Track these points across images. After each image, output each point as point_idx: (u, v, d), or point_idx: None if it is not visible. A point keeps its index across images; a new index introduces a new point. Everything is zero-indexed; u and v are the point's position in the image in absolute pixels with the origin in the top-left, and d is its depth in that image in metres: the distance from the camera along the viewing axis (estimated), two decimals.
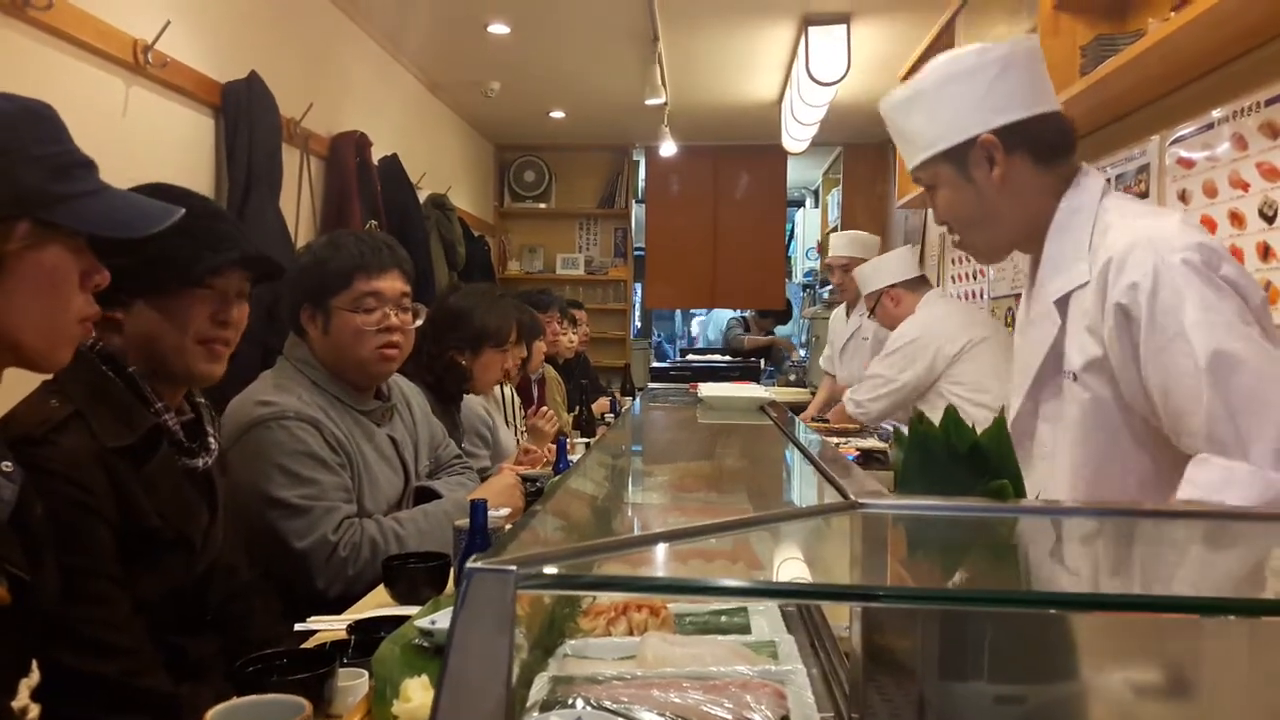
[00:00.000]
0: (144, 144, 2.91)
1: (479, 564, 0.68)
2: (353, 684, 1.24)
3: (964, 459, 0.98)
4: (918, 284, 3.82)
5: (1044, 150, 1.58)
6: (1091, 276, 1.48)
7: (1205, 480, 1.33)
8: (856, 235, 4.69)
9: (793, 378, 7.28)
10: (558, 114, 6.65)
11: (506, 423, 3.39)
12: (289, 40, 3.88)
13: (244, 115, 3.31)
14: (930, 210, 1.74)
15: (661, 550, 0.86)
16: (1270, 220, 2.27)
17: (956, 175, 1.60)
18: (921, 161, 1.63)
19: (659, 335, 10.83)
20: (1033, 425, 1.63)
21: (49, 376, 1.37)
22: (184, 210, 1.20)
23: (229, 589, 1.61)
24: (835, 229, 7.38)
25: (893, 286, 3.80)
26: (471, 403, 3.07)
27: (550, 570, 0.72)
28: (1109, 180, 3.06)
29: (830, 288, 7.31)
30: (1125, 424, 1.48)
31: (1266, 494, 1.28)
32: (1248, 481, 1.29)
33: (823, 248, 8.19)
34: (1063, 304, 1.55)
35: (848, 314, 4.73)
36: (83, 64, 2.65)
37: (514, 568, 0.68)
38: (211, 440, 1.58)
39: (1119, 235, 1.47)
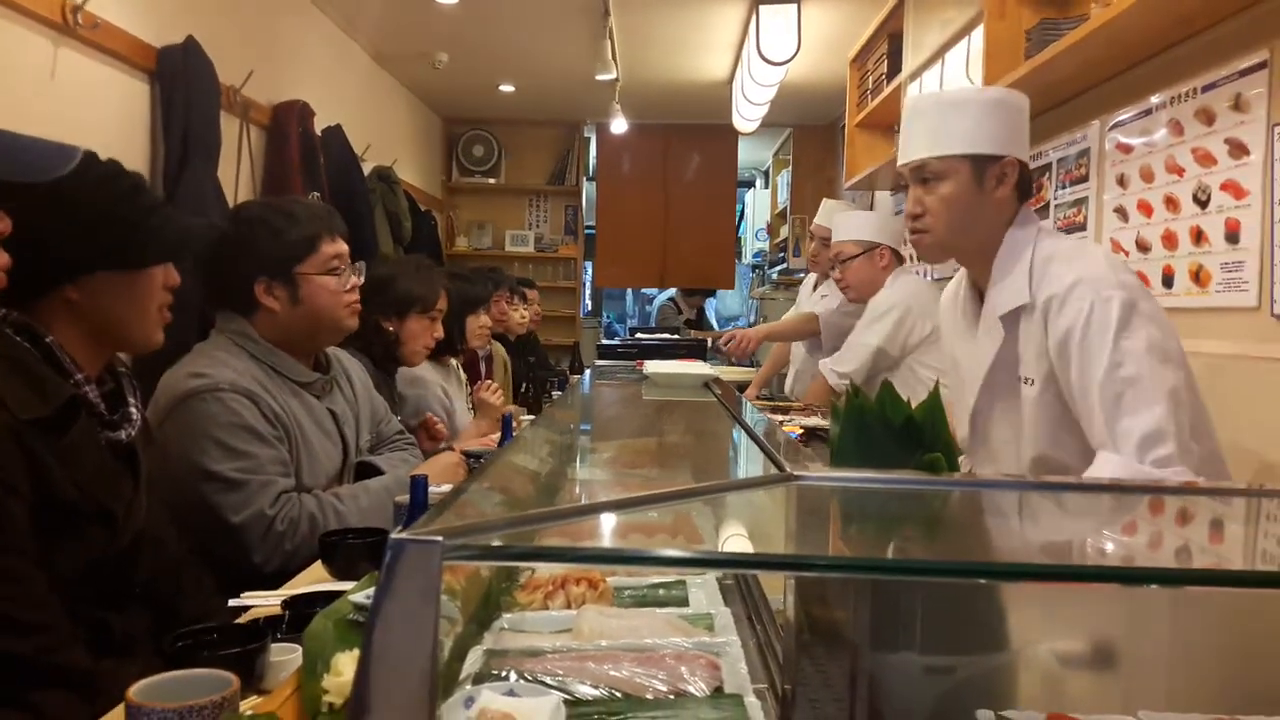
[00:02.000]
0: (74, 109, 2.82)
1: (404, 535, 0.67)
2: (286, 659, 1.22)
3: (898, 432, 0.99)
4: (897, 256, 3.73)
5: (1025, 189, 1.88)
6: (1035, 301, 1.77)
7: (1092, 470, 1.68)
8: (868, 213, 4.35)
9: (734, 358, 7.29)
10: (507, 87, 6.58)
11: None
12: (228, 6, 3.78)
13: (180, 81, 3.22)
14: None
15: (597, 521, 0.85)
16: (1204, 205, 2.32)
17: (971, 177, 1.83)
18: (950, 154, 1.83)
19: (609, 315, 10.82)
20: (991, 419, 1.92)
21: None
22: (83, 151, 1.15)
23: (157, 562, 1.57)
24: (784, 212, 7.41)
25: (883, 246, 3.64)
26: (431, 385, 3.05)
27: (478, 541, 0.71)
28: (1051, 164, 3.11)
29: (781, 267, 7.36)
30: (1066, 417, 1.76)
31: (1127, 473, 1.62)
32: (1119, 465, 1.63)
33: (772, 229, 8.23)
34: (1007, 319, 1.82)
35: (815, 287, 4.56)
36: (7, 23, 2.55)
37: (440, 538, 0.67)
38: (133, 411, 1.54)
39: (1061, 270, 1.75)
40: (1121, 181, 2.68)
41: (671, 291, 8.29)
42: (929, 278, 4.11)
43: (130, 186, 1.50)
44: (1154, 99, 2.53)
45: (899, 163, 1.94)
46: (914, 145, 1.88)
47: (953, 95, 1.93)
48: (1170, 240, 2.46)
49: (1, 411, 1.30)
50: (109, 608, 1.44)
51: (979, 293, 1.93)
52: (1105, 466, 1.65)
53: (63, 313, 1.44)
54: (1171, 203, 2.45)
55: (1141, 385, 1.63)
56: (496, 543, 0.73)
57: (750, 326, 8.40)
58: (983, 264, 1.87)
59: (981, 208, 1.83)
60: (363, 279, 2.20)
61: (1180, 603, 0.99)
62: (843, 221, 3.78)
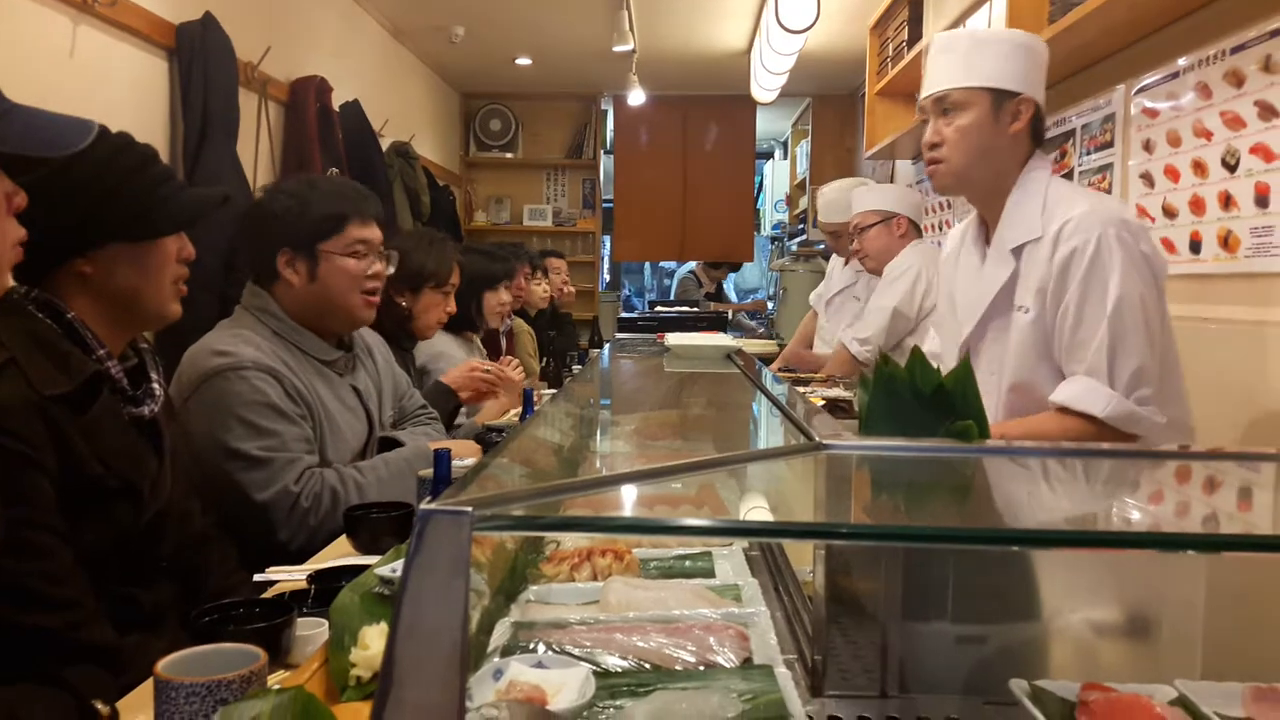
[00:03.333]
0: (94, 87, 2.82)
1: (434, 505, 0.67)
2: (312, 634, 1.23)
3: (929, 400, 0.98)
4: (915, 228, 3.73)
5: (1039, 130, 1.96)
6: (1045, 234, 1.87)
7: (1072, 389, 1.80)
8: (885, 185, 4.30)
9: (761, 330, 7.27)
10: (524, 61, 6.53)
11: None
12: None
13: (199, 58, 3.21)
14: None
15: (623, 492, 0.84)
16: (1232, 169, 2.28)
17: (990, 110, 1.92)
18: (970, 86, 1.92)
19: (628, 289, 10.79)
20: (980, 351, 2.01)
21: None
22: (98, 126, 1.15)
23: (182, 537, 1.58)
24: (804, 183, 7.34)
25: (900, 215, 3.65)
26: (454, 360, 3.05)
27: (508, 511, 0.70)
28: (1075, 130, 3.06)
29: (801, 239, 7.29)
30: (1045, 345, 1.88)
31: (1110, 408, 1.75)
32: (1105, 397, 1.75)
33: (791, 200, 8.16)
34: (1017, 252, 1.92)
35: (846, 263, 4.52)
36: (26, 1, 2.55)
37: (470, 509, 0.66)
38: (156, 386, 1.54)
39: (1072, 205, 1.86)
40: (1147, 147, 2.64)
41: (693, 264, 8.24)
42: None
43: (140, 158, 1.49)
44: (1181, 61, 2.48)
45: (922, 95, 2.02)
46: (939, 77, 1.97)
47: (982, 33, 2.05)
48: (1198, 205, 2.42)
49: (25, 387, 1.30)
50: (136, 583, 1.45)
51: (987, 230, 2.02)
52: (1082, 390, 1.77)
53: (78, 287, 1.44)
54: (1199, 167, 2.41)
55: (1138, 328, 1.76)
56: (525, 513, 0.73)
57: (769, 298, 8.37)
58: (995, 200, 1.96)
59: (996, 141, 1.92)
60: (392, 269, 2.18)
61: (1215, 569, 0.97)
62: (860, 193, 3.79)
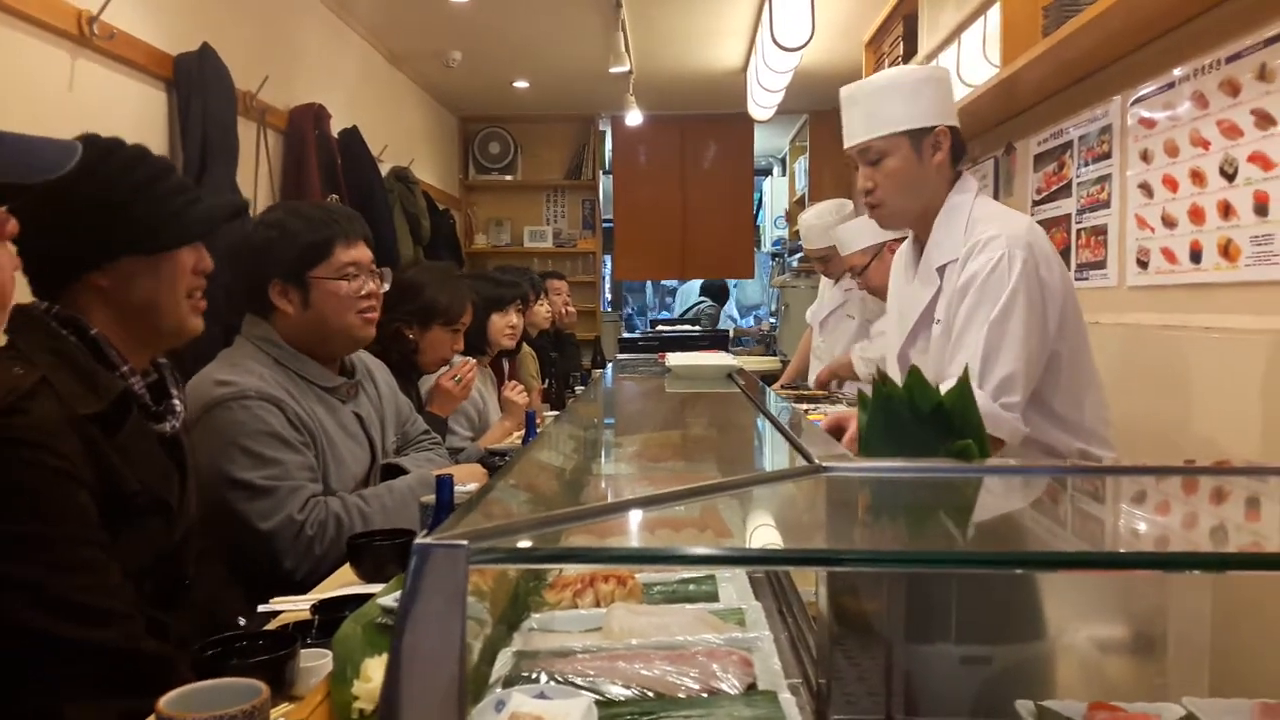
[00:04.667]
0: (93, 119, 2.82)
1: (429, 539, 0.66)
2: (316, 665, 1.22)
3: (928, 420, 0.97)
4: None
5: (958, 152, 2.12)
6: (961, 254, 2.03)
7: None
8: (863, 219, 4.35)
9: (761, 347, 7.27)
10: (521, 84, 6.56)
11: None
12: (242, 11, 3.78)
13: (197, 88, 3.22)
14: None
15: (623, 520, 0.84)
16: (1230, 178, 2.27)
17: (911, 150, 2.07)
18: (889, 134, 2.08)
19: (631, 307, 10.80)
20: (912, 354, 2.18)
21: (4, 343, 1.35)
22: (81, 147, 1.14)
23: (199, 557, 1.59)
24: (803, 199, 7.34)
25: (889, 242, 3.65)
26: None
27: (504, 544, 0.70)
28: (1073, 141, 3.06)
29: (801, 255, 7.29)
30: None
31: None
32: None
33: (791, 216, 8.17)
34: (941, 271, 2.09)
35: (837, 281, 4.52)
36: (25, 35, 2.56)
37: (465, 543, 0.66)
38: (177, 403, 1.55)
39: (987, 226, 2.02)
40: (1145, 157, 2.64)
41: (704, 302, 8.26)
42: None
43: (154, 170, 1.50)
44: (1176, 72, 2.48)
45: (845, 146, 2.16)
46: (856, 129, 2.12)
47: (882, 79, 2.16)
48: (1197, 215, 2.41)
49: (60, 406, 1.30)
50: (164, 605, 1.45)
51: (921, 247, 2.18)
52: None
53: (96, 302, 1.45)
54: (1197, 176, 2.40)
55: (1015, 339, 1.90)
56: (522, 545, 0.72)
57: (770, 314, 8.37)
58: (927, 224, 2.13)
59: (923, 175, 2.08)
60: (386, 286, 2.18)
61: (1222, 585, 0.96)
62: (844, 235, 3.74)
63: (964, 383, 1.00)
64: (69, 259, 1.42)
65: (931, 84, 2.11)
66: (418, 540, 0.67)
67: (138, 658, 1.28)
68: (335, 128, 4.37)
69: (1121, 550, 0.83)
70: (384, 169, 5.06)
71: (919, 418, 0.97)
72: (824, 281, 4.52)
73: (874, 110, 2.11)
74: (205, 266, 1.56)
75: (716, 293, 8.94)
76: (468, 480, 2.01)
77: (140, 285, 1.47)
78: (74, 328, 1.41)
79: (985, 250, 1.97)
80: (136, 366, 1.47)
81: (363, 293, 2.09)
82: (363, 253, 2.11)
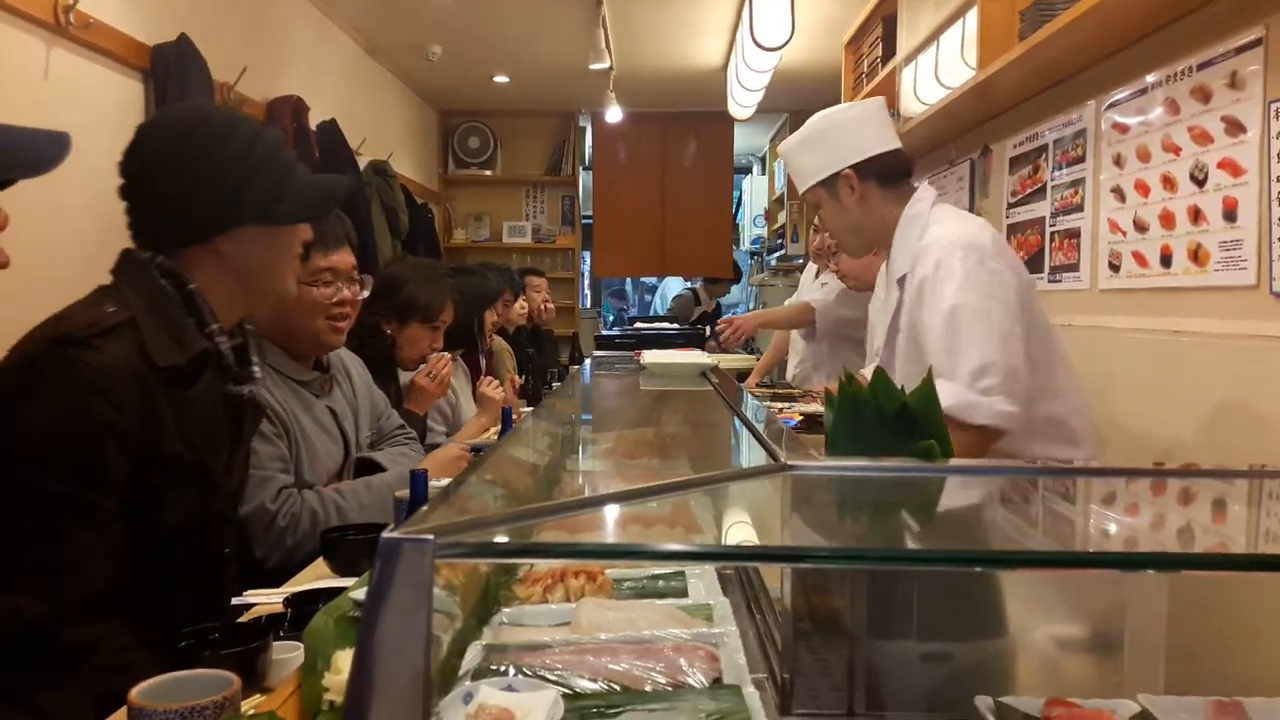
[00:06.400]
0: (68, 109, 2.81)
1: (395, 534, 0.67)
2: (288, 657, 1.22)
3: (891, 420, 0.99)
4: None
5: (888, 177, 2.19)
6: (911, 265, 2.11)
7: None
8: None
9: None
10: (502, 78, 6.55)
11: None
12: (220, 2, 3.76)
13: (174, 79, 3.21)
14: None
15: (591, 515, 0.85)
16: (1200, 184, 2.31)
17: (830, 198, 2.22)
18: (807, 189, 2.27)
19: (606, 307, 10.80)
20: (884, 360, 2.25)
21: (107, 281, 1.41)
22: (68, 135, 1.14)
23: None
24: (781, 197, 7.38)
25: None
26: None
27: (471, 539, 0.71)
28: (1048, 145, 3.09)
29: (780, 254, 7.32)
30: (923, 359, 2.02)
31: (952, 399, 1.80)
32: (949, 392, 1.81)
33: (770, 215, 8.20)
34: (900, 282, 2.17)
35: (816, 275, 4.56)
36: None
37: (431, 537, 0.67)
38: (256, 369, 1.57)
39: (933, 235, 2.09)
40: (1118, 161, 2.67)
41: (689, 281, 8.21)
42: None
43: (273, 143, 1.53)
44: (1149, 78, 2.51)
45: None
46: (795, 182, 2.33)
47: (795, 137, 2.30)
48: (1168, 219, 2.45)
49: (135, 353, 1.32)
50: (202, 571, 1.49)
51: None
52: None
53: (211, 262, 1.47)
54: (1169, 182, 2.44)
55: (975, 327, 1.91)
56: (489, 540, 0.73)
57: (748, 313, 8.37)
58: (889, 242, 2.23)
59: (852, 214, 2.20)
60: (366, 293, 2.17)
61: (1178, 583, 0.98)
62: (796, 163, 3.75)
63: (928, 384, 1.02)
64: (199, 224, 1.45)
65: (820, 133, 2.23)
66: (384, 535, 0.67)
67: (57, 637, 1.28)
68: (314, 120, 4.36)
69: (1077, 550, 0.84)
70: (362, 162, 5.05)
71: (883, 418, 0.99)
72: (805, 274, 4.56)
73: (795, 168, 2.29)
74: (307, 236, 1.60)
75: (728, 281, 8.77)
76: (443, 475, 2.01)
77: (259, 253, 1.51)
78: (173, 278, 1.43)
79: (928, 255, 2.04)
80: (225, 325, 1.49)
81: (334, 300, 2.08)
82: (343, 259, 2.10)
